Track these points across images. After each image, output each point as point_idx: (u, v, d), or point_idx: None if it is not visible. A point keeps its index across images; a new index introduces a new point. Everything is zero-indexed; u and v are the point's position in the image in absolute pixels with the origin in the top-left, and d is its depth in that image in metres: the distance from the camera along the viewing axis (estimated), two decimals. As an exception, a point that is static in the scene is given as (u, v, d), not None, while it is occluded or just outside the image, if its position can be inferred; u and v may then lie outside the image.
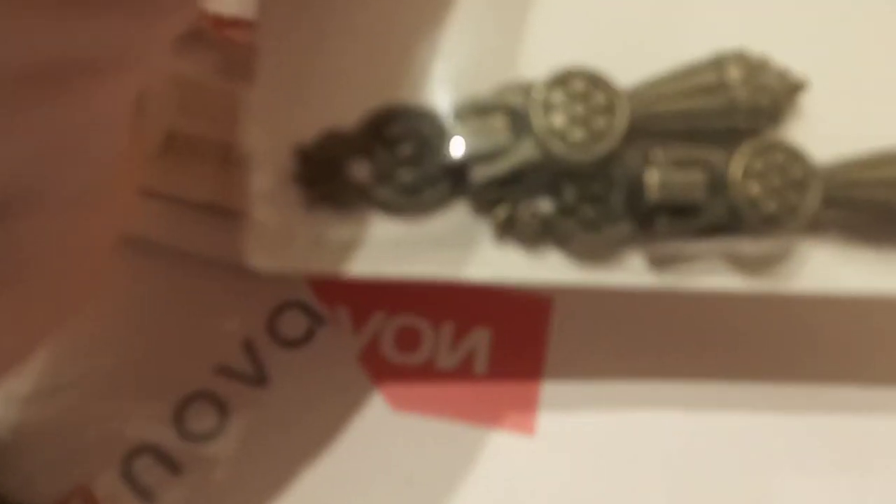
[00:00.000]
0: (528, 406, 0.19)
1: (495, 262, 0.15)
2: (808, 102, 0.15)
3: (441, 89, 0.15)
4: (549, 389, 0.20)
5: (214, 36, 0.20)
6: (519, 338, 0.20)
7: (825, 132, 0.15)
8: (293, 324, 0.20)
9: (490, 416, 0.19)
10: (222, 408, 0.19)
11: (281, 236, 0.15)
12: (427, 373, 0.20)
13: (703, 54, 0.15)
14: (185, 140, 0.20)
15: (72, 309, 0.12)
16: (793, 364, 0.20)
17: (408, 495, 0.18)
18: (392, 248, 0.15)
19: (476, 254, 0.15)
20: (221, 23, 0.21)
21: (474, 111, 0.14)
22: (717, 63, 0.15)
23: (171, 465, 0.18)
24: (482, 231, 0.15)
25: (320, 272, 0.15)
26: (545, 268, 0.15)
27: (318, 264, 0.15)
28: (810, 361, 0.19)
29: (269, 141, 0.14)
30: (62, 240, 0.11)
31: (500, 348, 0.20)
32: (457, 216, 0.15)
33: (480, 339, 0.20)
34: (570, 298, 0.20)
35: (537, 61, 0.15)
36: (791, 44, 0.15)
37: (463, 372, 0.20)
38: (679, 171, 0.14)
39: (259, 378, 0.19)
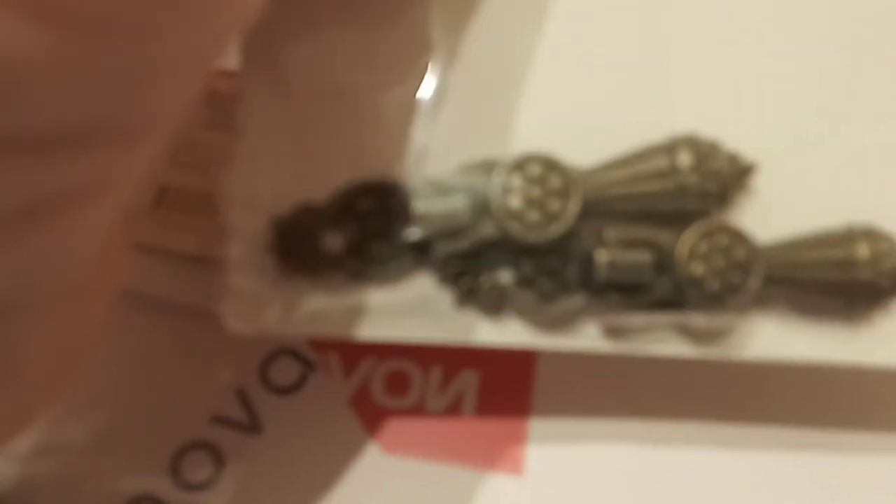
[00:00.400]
0: (516, 446, 0.20)
1: (458, 327, 0.16)
2: (758, 185, 0.16)
3: (409, 168, 0.16)
4: (537, 429, 0.20)
5: (204, 88, 0.22)
6: (506, 379, 0.21)
7: (772, 214, 0.16)
8: (285, 371, 0.20)
9: (479, 457, 0.20)
10: (217, 457, 0.20)
11: (256, 302, 0.16)
12: (417, 416, 0.20)
13: (657, 137, 0.16)
14: (176, 193, 0.21)
15: (65, 384, 0.13)
16: (771, 406, 0.20)
17: None
18: (361, 314, 0.16)
19: (440, 320, 0.16)
20: (211, 75, 0.22)
21: (439, 191, 0.15)
22: (669, 148, 0.16)
23: None
24: (446, 300, 0.16)
25: (293, 336, 0.16)
26: (505, 333, 0.16)
27: (290, 328, 0.16)
28: (789, 402, 0.20)
29: (247, 214, 0.16)
30: (54, 330, 0.12)
31: (487, 390, 0.21)
32: (422, 286, 0.16)
33: (468, 382, 0.21)
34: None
35: (500, 143, 0.16)
36: (742, 128, 0.16)
37: (452, 414, 0.20)
38: (628, 252, 0.15)
39: (253, 426, 0.20)
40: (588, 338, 0.16)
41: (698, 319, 0.16)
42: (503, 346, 0.17)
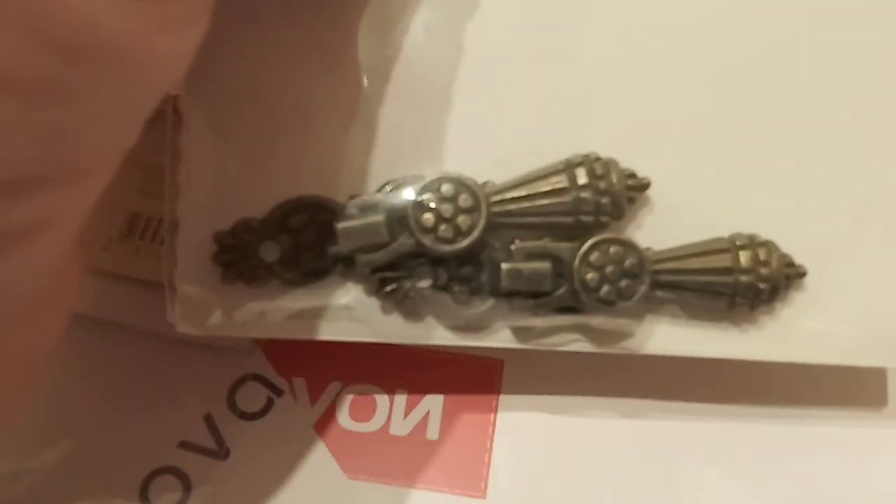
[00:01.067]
0: (479, 469, 0.20)
1: (383, 329, 0.18)
2: (653, 199, 0.18)
3: (340, 186, 0.18)
4: (500, 452, 0.20)
5: (174, 118, 0.21)
6: (470, 402, 0.21)
7: (665, 225, 0.18)
8: (252, 396, 0.21)
9: (442, 481, 0.20)
10: (185, 481, 0.20)
11: (202, 307, 0.18)
12: (381, 440, 0.21)
13: (561, 155, 0.18)
14: (146, 221, 0.21)
15: (17, 402, 0.14)
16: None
17: None
18: (295, 317, 0.18)
19: (367, 322, 0.18)
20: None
21: (362, 207, 0.17)
22: (567, 166, 0.17)
23: None
24: (372, 304, 0.18)
25: (233, 336, 0.18)
26: (425, 333, 0.18)
27: (233, 330, 0.18)
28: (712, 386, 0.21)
29: (193, 229, 0.17)
30: (6, 350, 0.13)
31: (452, 413, 0.21)
32: (350, 292, 0.18)
33: (433, 405, 0.21)
34: (519, 361, 0.21)
35: (421, 161, 0.18)
36: (636, 147, 0.18)
37: (416, 438, 0.21)
38: (530, 263, 0.17)
39: (220, 451, 0.20)
40: (498, 337, 0.18)
41: (596, 321, 0.18)
42: (422, 345, 0.18)
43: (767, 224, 0.18)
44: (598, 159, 0.17)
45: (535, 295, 0.17)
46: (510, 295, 0.17)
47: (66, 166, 0.11)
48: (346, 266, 0.18)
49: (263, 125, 0.18)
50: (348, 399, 0.21)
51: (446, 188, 0.17)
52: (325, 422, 0.21)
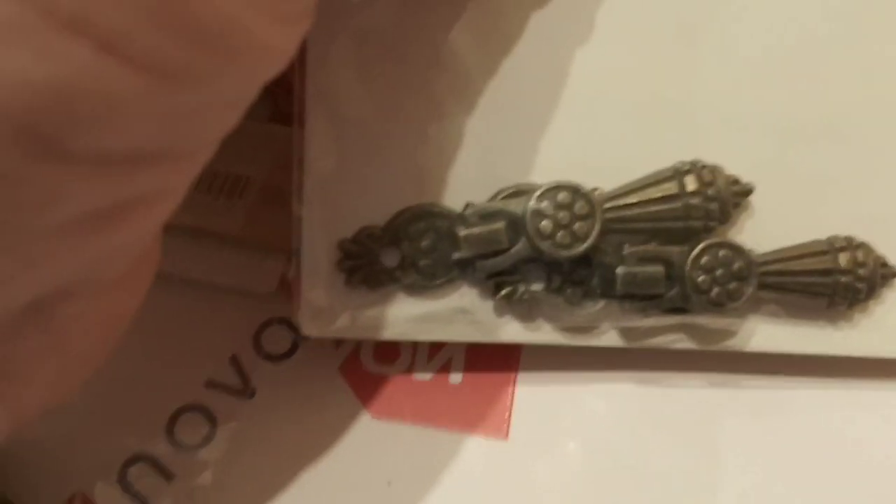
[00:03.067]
0: (501, 412, 0.21)
1: (497, 330, 0.19)
2: (754, 203, 0.19)
3: (454, 194, 0.18)
4: (523, 395, 0.21)
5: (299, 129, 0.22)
6: (493, 348, 0.21)
7: (767, 229, 0.19)
8: (278, 339, 0.21)
9: (465, 422, 0.21)
10: (211, 419, 0.20)
11: (327, 311, 0.18)
12: (405, 382, 0.21)
13: (666, 162, 0.19)
14: None
15: (103, 357, 0.15)
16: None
17: (386, 497, 0.20)
18: (414, 320, 0.19)
19: (481, 324, 0.19)
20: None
21: (481, 215, 0.18)
22: (676, 173, 0.18)
23: (164, 472, 0.20)
24: (487, 307, 0.19)
25: (358, 338, 0.19)
26: (537, 335, 0.19)
27: (356, 333, 0.19)
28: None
29: (318, 238, 0.18)
30: (101, 310, 0.14)
31: (474, 359, 0.21)
32: (466, 296, 0.19)
33: (456, 350, 0.21)
34: None
35: (532, 169, 0.19)
36: (738, 154, 0.19)
37: (439, 381, 0.21)
38: (643, 266, 0.18)
39: (246, 391, 0.21)
40: (607, 338, 0.19)
41: (703, 321, 0.18)
42: (535, 344, 0.19)
43: (861, 226, 0.19)
44: (704, 166, 0.18)
45: (646, 297, 0.18)
46: (622, 297, 0.18)
47: (183, 144, 0.12)
48: (462, 271, 0.19)
49: (382, 138, 0.18)
50: (372, 343, 0.21)
51: (562, 196, 0.18)
52: (349, 364, 0.21)
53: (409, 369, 0.21)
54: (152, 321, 0.20)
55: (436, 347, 0.21)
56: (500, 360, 0.21)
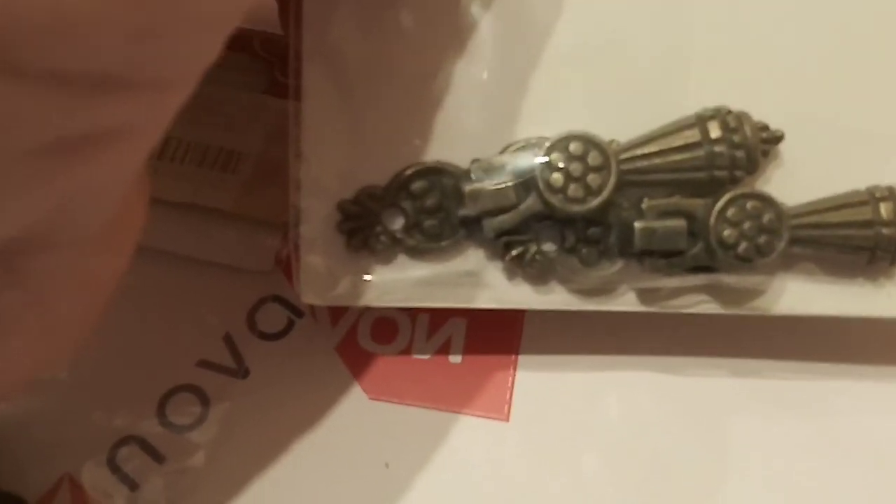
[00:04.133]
0: (502, 392, 0.20)
1: (507, 295, 0.18)
2: (785, 152, 0.17)
3: (460, 150, 0.17)
4: (524, 376, 0.20)
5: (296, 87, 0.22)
6: (494, 326, 0.20)
7: (799, 179, 0.17)
8: (272, 317, 0.20)
9: (465, 403, 0.20)
10: (204, 399, 0.20)
11: (327, 277, 0.17)
12: (403, 362, 0.20)
13: (689, 111, 0.17)
14: (165, 143, 0.21)
15: (91, 324, 0.14)
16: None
17: (384, 479, 0.19)
18: (419, 284, 0.18)
19: (491, 288, 0.18)
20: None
21: (487, 171, 0.17)
22: (699, 120, 0.17)
23: (155, 454, 0.19)
24: (495, 270, 0.18)
25: (360, 305, 0.18)
26: (550, 298, 0.18)
27: (357, 300, 0.18)
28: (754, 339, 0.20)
29: (315, 199, 0.17)
30: (84, 269, 0.13)
31: (475, 337, 0.20)
32: (474, 258, 0.18)
33: (456, 329, 0.20)
34: None
35: (542, 122, 0.17)
36: (768, 101, 0.17)
37: (438, 361, 0.20)
38: (663, 221, 0.17)
39: (239, 370, 0.20)
40: (625, 301, 0.18)
41: (730, 280, 0.17)
42: (549, 309, 0.18)
43: (905, 174, 0.17)
44: (729, 112, 0.17)
45: (668, 254, 0.17)
46: (641, 255, 0.17)
47: (152, 71, 0.11)
48: (470, 231, 0.17)
49: (382, 93, 0.17)
50: (370, 321, 0.21)
51: (574, 147, 0.16)
52: (346, 343, 0.20)
53: (408, 349, 0.20)
54: (143, 298, 0.21)
55: (435, 326, 0.21)
56: (502, 339, 0.21)
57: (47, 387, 0.20)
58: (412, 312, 0.21)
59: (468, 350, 0.20)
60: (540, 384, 0.20)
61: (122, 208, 0.13)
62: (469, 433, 0.20)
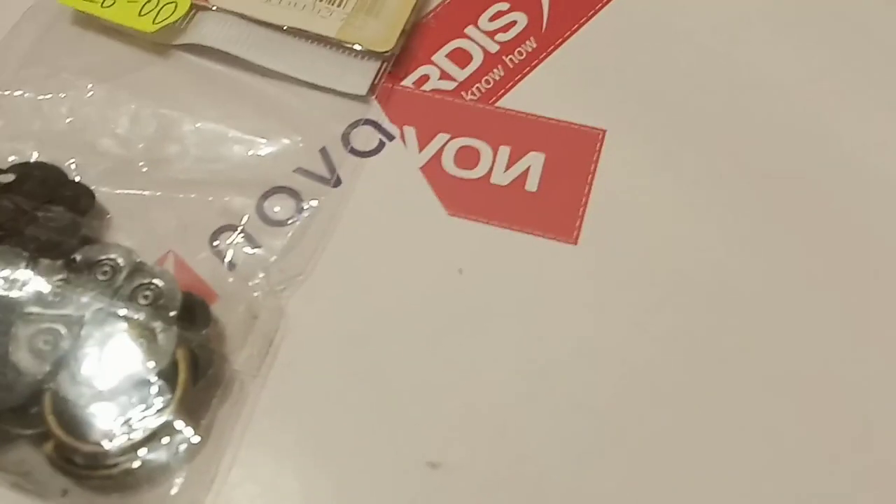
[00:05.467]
0: (572, 221, 0.22)
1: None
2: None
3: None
4: (594, 207, 0.22)
5: None
6: (571, 163, 0.23)
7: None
8: (365, 138, 0.23)
9: (537, 226, 0.22)
10: (297, 199, 0.23)
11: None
12: (482, 186, 0.23)
13: None
14: None
15: None
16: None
17: (457, 283, 0.22)
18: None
19: None
20: None
21: None
22: None
23: (251, 241, 0.22)
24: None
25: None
26: None
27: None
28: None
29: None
30: None
31: (551, 171, 0.23)
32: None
33: (534, 162, 0.23)
34: (621, 131, 0.24)
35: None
36: None
37: (515, 188, 0.23)
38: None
39: (331, 178, 0.23)
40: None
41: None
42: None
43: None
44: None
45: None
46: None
47: None
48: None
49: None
50: (454, 149, 0.23)
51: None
52: (430, 166, 0.23)
53: (487, 174, 0.23)
54: (246, 108, 0.24)
55: (515, 156, 0.23)
56: (578, 170, 0.23)
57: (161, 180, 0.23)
58: (495, 145, 0.23)
59: (544, 181, 0.23)
60: (609, 217, 0.22)
61: None
62: (540, 253, 0.22)
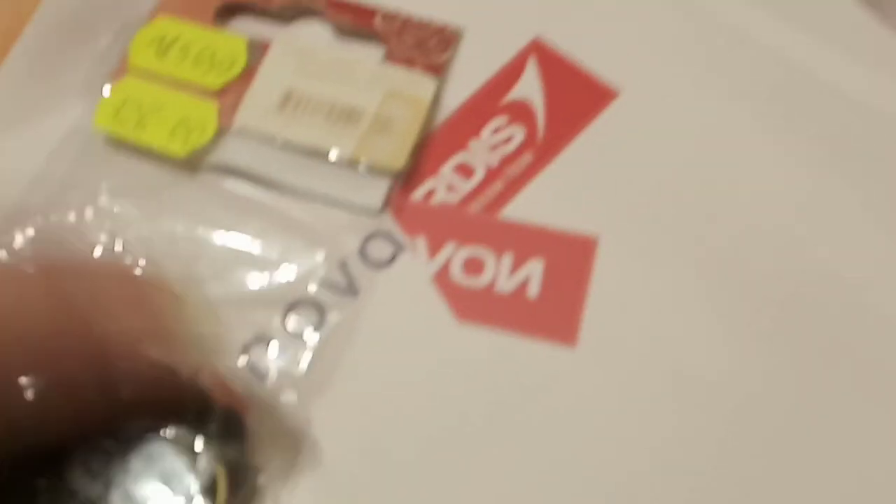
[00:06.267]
0: (572, 323, 0.24)
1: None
2: None
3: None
4: (592, 309, 0.24)
5: (321, 8, 0.28)
6: (568, 269, 0.25)
7: None
8: (380, 250, 0.25)
9: (538, 330, 0.24)
10: (321, 310, 0.25)
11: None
12: (488, 294, 0.25)
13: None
14: (299, 96, 0.27)
15: None
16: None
17: (466, 386, 0.24)
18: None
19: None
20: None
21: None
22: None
23: (279, 353, 0.24)
24: None
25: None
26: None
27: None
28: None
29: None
30: None
31: (551, 277, 0.25)
32: None
33: (535, 269, 0.25)
34: (616, 236, 0.25)
35: None
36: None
37: (518, 295, 0.25)
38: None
39: (351, 290, 0.25)
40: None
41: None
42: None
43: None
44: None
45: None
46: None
47: None
48: None
49: None
50: (461, 257, 0.25)
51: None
52: (440, 274, 0.25)
53: (492, 282, 0.25)
54: (280, 228, 0.26)
55: (517, 264, 0.25)
56: (575, 277, 0.25)
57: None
58: (499, 252, 0.25)
59: (545, 288, 0.24)
60: (607, 321, 0.24)
61: None
62: (541, 355, 0.24)
